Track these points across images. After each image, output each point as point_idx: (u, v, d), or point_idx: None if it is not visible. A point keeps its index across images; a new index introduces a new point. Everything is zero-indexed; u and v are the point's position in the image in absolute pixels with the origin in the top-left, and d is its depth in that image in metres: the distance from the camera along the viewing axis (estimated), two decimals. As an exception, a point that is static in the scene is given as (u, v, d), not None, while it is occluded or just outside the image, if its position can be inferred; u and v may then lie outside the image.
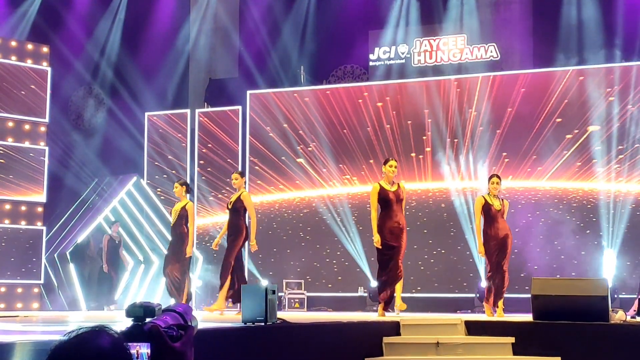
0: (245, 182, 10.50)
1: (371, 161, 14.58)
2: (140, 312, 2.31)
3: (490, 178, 9.80)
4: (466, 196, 13.91)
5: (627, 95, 13.24)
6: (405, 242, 9.56)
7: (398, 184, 9.66)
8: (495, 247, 9.44)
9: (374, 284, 13.95)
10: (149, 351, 2.27)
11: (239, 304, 9.84)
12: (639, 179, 13.09)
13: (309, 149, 14.96)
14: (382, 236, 9.42)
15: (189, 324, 2.48)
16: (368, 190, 14.58)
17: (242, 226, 10.24)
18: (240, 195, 10.26)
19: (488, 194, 9.66)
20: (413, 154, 14.36)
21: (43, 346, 3.98)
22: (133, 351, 2.25)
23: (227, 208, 10.44)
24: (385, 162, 9.67)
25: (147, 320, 2.35)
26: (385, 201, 9.51)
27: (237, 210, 10.22)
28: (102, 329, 1.85)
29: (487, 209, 9.54)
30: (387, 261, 9.44)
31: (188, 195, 10.82)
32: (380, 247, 9.43)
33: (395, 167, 9.63)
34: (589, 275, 12.12)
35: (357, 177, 14.72)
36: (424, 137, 14.33)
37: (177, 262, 10.51)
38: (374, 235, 9.45)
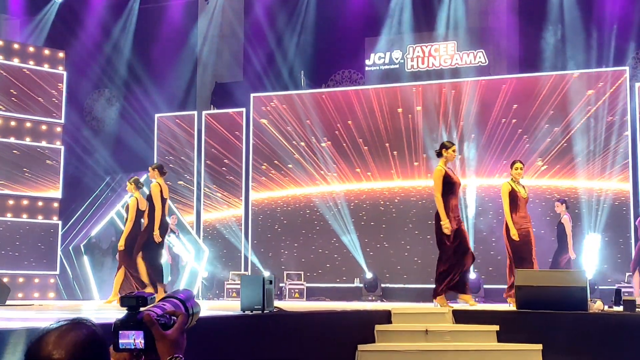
0: (161, 175, 9.60)
1: (367, 160, 14.57)
2: (133, 301, 2.31)
3: (513, 164, 9.10)
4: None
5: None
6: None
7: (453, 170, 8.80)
8: (520, 237, 8.76)
9: (368, 275, 13.95)
10: (142, 340, 2.27)
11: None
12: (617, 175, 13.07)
13: (309, 148, 14.95)
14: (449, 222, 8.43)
15: (191, 310, 2.46)
16: (364, 187, 14.63)
17: (156, 218, 9.51)
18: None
19: (512, 180, 9.04)
20: (406, 152, 14.36)
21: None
22: (129, 340, 2.24)
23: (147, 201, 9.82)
24: (447, 147, 8.67)
25: (142, 309, 2.34)
26: (451, 185, 8.53)
27: (151, 202, 9.62)
28: (81, 321, 1.87)
29: (513, 196, 8.86)
30: (457, 247, 8.49)
31: (139, 191, 10.12)
32: (449, 233, 8.40)
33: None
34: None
35: (352, 175, 14.71)
36: (417, 137, 14.31)
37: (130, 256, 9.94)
38: (443, 220, 8.37)
